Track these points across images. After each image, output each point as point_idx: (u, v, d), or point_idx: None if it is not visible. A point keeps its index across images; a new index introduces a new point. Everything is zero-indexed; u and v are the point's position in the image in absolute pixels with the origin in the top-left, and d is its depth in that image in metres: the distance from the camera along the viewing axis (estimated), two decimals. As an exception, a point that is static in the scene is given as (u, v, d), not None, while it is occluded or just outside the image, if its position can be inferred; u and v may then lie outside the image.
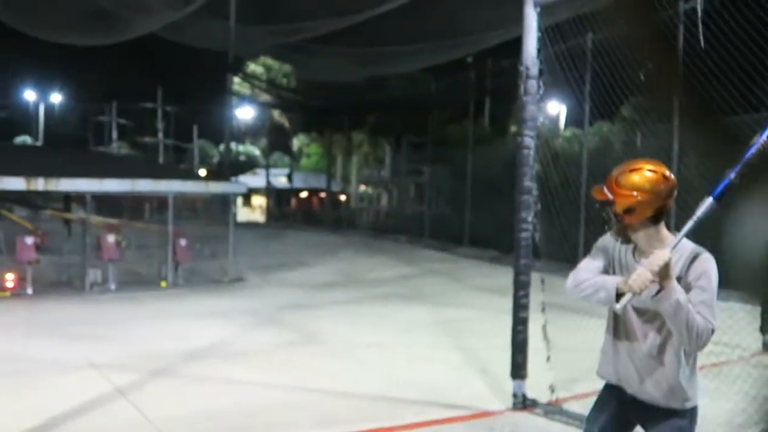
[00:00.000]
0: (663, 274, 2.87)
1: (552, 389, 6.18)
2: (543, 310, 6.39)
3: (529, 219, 6.34)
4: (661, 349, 3.11)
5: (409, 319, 11.79)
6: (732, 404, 5.78)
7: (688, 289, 2.99)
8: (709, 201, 2.95)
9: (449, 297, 14.52)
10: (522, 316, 6.38)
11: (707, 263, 3.03)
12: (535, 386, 6.33)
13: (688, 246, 3.07)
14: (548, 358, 6.25)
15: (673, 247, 2.94)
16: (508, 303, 6.57)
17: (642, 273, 2.88)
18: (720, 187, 2.96)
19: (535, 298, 6.43)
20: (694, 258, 3.04)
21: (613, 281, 3.05)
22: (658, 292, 2.91)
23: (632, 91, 8.42)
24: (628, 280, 2.93)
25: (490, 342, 8.90)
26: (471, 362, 8.44)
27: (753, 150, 2.97)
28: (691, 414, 3.17)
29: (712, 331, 2.93)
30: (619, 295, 2.99)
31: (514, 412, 6.29)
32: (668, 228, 3.14)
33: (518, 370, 6.37)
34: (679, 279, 2.99)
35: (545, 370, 6.20)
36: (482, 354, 8.76)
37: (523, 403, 6.34)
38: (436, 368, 8.28)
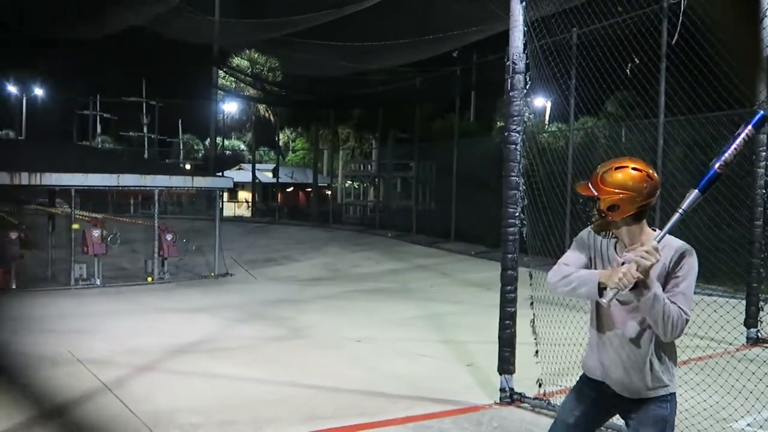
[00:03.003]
0: (648, 268, 2.90)
1: (540, 383, 6.20)
2: (531, 304, 6.41)
3: (516, 214, 6.35)
4: (642, 338, 3.14)
5: (396, 314, 11.80)
6: (718, 397, 5.82)
7: (668, 281, 3.05)
8: (694, 193, 3.00)
9: (436, 292, 14.55)
10: (509, 311, 6.39)
11: (690, 260, 3.08)
12: (522, 380, 6.34)
13: (675, 243, 3.11)
14: (536, 353, 6.27)
15: (659, 239, 2.98)
16: (495, 298, 6.59)
17: (629, 270, 2.90)
18: (705, 179, 3.01)
19: (523, 292, 6.45)
20: (682, 255, 3.08)
21: (595, 276, 3.08)
22: (636, 285, 2.94)
23: (617, 86, 8.47)
24: (613, 276, 2.95)
25: (478, 336, 8.94)
26: (459, 357, 8.45)
27: (736, 142, 3.00)
28: (670, 402, 3.20)
29: (686, 322, 2.99)
30: (601, 289, 3.02)
31: (502, 407, 6.31)
32: (651, 224, 3.20)
33: (506, 364, 6.38)
34: (667, 274, 3.05)
35: (533, 365, 6.22)
36: (470, 348, 8.78)
37: (510, 398, 6.35)
38: (424, 363, 8.29)
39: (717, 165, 3.01)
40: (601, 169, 3.16)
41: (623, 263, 3.06)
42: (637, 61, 8.04)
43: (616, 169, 3.11)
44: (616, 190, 3.07)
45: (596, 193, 3.12)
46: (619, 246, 3.22)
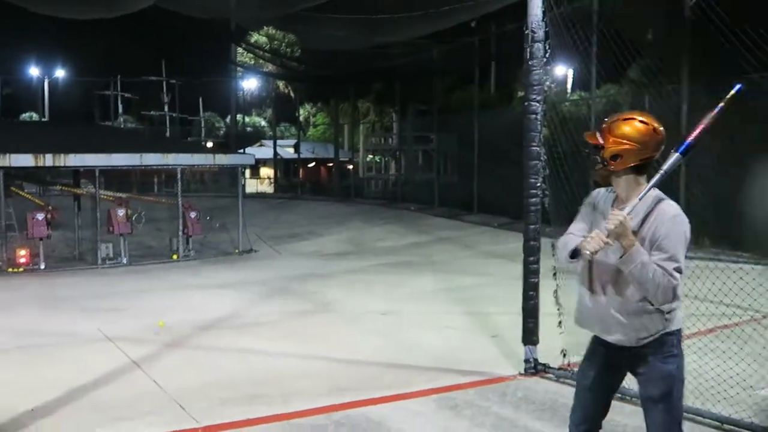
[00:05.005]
0: (620, 234, 3.00)
1: (564, 354, 6.20)
2: (554, 275, 6.38)
3: (538, 184, 6.31)
4: (622, 290, 3.21)
5: (419, 287, 11.84)
6: (744, 365, 5.79)
7: (651, 238, 3.10)
8: (676, 156, 3.15)
9: (459, 264, 14.56)
10: (532, 282, 6.38)
11: (676, 221, 3.12)
12: (546, 351, 6.36)
13: (662, 203, 3.18)
14: (560, 323, 6.26)
15: (641, 197, 3.09)
16: (518, 269, 6.59)
17: (596, 235, 3.04)
18: (686, 144, 3.15)
19: (546, 263, 6.42)
20: (666, 215, 3.13)
21: (574, 242, 3.21)
22: (623, 254, 3.05)
23: (639, 53, 8.33)
24: (583, 242, 3.10)
25: (501, 308, 8.95)
26: (482, 328, 8.48)
27: (715, 112, 3.12)
28: (676, 357, 3.24)
29: (675, 288, 3.05)
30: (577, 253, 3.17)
31: (526, 377, 6.34)
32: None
33: (529, 335, 6.40)
34: (644, 229, 3.12)
35: (557, 335, 6.22)
36: (493, 320, 8.80)
37: (534, 368, 6.37)
38: (448, 335, 8.33)
39: (696, 132, 3.15)
40: (610, 120, 3.28)
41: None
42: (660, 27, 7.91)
43: (624, 120, 3.22)
44: (621, 140, 3.16)
45: (602, 142, 3.23)
46: (617, 202, 3.30)
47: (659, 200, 3.16)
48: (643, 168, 3.20)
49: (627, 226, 3.01)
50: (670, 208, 3.14)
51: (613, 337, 3.29)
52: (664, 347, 3.23)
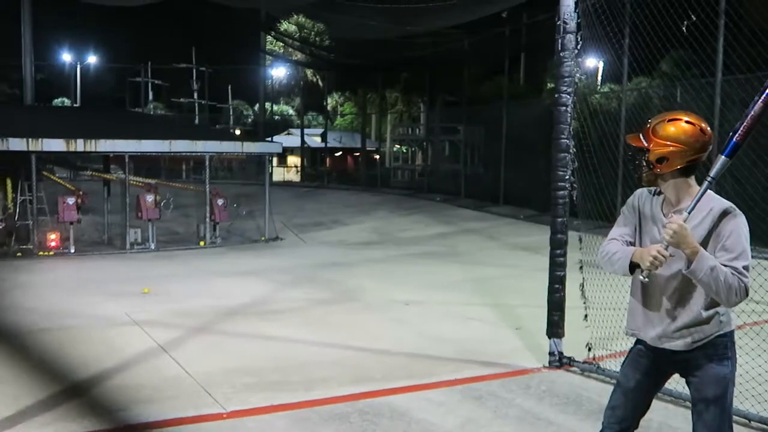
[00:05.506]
0: (679, 242, 2.91)
1: (589, 347, 6.16)
2: (580, 268, 6.34)
3: (566, 177, 6.26)
4: (682, 299, 3.13)
5: (444, 278, 11.82)
6: (773, 363, 5.71)
7: (716, 245, 3.00)
8: (722, 159, 3.01)
9: (485, 255, 14.50)
10: (558, 275, 6.34)
11: (735, 220, 3.02)
12: (571, 344, 6.32)
13: (715, 203, 3.06)
14: (585, 317, 6.22)
15: (690, 210, 2.97)
16: (544, 261, 6.54)
17: (660, 252, 2.95)
18: (731, 145, 3.01)
19: (572, 256, 6.38)
20: (723, 215, 3.03)
21: (628, 255, 3.12)
22: (689, 263, 2.94)
23: (673, 45, 8.20)
24: (644, 257, 3.00)
25: (527, 300, 8.91)
26: (507, 320, 8.45)
27: (755, 107, 2.97)
28: (731, 360, 3.18)
29: (747, 287, 2.95)
30: (633, 267, 3.09)
31: (551, 370, 6.31)
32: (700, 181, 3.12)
33: (555, 328, 6.36)
34: (711, 237, 3.01)
35: (582, 329, 6.18)
36: (518, 312, 8.76)
37: (559, 361, 6.34)
38: (472, 326, 8.31)
39: (738, 130, 3.00)
40: (654, 121, 3.14)
41: (664, 226, 3.05)
42: (694, 18, 7.78)
43: (669, 121, 3.09)
44: (667, 143, 3.04)
45: (646, 144, 3.10)
46: (665, 205, 3.19)
47: (725, 212, 3.03)
48: (691, 169, 3.08)
49: (685, 234, 2.91)
50: (731, 209, 3.05)
51: (668, 345, 3.18)
52: (718, 349, 3.15)
